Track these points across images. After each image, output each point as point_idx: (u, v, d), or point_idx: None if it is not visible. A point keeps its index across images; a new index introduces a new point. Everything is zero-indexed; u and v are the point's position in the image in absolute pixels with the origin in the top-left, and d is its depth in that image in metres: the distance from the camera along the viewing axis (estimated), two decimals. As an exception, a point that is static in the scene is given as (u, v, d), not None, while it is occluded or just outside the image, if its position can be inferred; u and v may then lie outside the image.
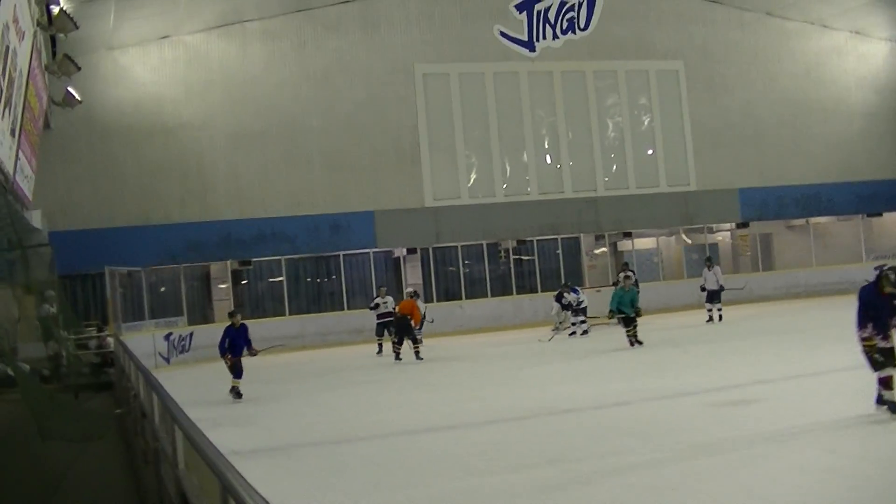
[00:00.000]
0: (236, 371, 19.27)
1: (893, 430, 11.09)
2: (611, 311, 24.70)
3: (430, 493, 10.05)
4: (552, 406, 15.23)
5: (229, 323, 19.76)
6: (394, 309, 27.21)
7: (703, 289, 30.63)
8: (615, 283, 31.30)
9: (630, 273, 28.10)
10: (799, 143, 40.29)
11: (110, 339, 24.49)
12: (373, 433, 14.06)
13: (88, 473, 11.53)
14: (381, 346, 28.03)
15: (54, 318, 22.72)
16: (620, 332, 25.10)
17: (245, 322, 20.00)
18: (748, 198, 39.33)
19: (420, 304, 27.49)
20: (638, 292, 26.01)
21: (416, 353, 25.44)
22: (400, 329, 25.86)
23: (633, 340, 24.00)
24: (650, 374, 18.86)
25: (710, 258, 32.55)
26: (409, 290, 29.27)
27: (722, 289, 30.35)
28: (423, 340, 26.63)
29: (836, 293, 36.30)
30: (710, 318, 29.91)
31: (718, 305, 30.07)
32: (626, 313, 24.25)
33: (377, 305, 28.21)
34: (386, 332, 27.80)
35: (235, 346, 19.26)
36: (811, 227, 40.42)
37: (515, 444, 12.33)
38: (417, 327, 26.17)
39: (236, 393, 19.11)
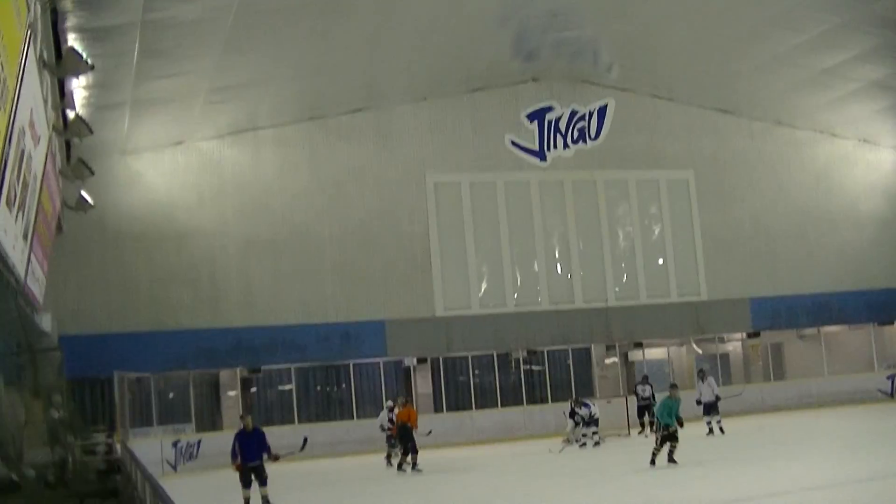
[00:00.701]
0: (247, 479, 18.27)
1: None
2: (664, 424, 22.08)
3: None
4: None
5: (240, 428, 18.83)
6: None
7: (698, 402, 29.86)
8: (635, 394, 31.57)
9: (672, 384, 26.33)
10: (810, 252, 40.21)
11: (118, 445, 24.30)
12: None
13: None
14: (389, 457, 27.46)
15: (61, 422, 22.62)
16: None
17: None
18: (759, 307, 39.13)
19: None
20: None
21: (414, 463, 24.76)
22: (404, 438, 25.37)
23: (671, 458, 21.61)
24: (660, 486, 18.60)
25: (702, 370, 32.09)
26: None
27: (718, 399, 29.83)
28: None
29: (849, 403, 36.08)
30: (710, 431, 29.22)
31: (717, 417, 29.39)
32: (671, 424, 21.92)
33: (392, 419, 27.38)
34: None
35: (247, 451, 18.30)
36: (822, 336, 40.14)
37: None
38: (417, 430, 25.54)
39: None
